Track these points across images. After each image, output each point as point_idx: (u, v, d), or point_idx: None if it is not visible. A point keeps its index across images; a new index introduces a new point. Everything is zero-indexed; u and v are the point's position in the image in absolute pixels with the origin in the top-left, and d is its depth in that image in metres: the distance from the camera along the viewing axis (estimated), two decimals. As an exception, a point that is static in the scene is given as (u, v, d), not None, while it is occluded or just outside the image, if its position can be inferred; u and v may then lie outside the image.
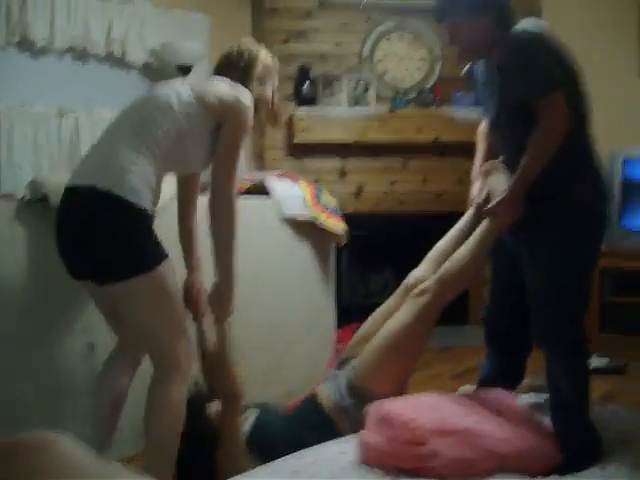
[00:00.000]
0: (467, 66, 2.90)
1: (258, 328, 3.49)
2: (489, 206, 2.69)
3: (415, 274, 2.95)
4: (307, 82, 5.18)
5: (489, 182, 2.84)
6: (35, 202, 2.78)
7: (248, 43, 2.75)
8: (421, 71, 5.44)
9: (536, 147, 2.49)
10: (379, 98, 5.33)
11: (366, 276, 5.70)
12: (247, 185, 3.69)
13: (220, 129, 2.47)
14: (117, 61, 4.56)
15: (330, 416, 2.62)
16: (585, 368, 2.58)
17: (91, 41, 4.38)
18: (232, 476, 2.27)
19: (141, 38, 4.59)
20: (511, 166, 2.65)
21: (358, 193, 5.36)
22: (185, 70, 4.53)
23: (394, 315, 2.75)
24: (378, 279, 5.72)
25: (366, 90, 5.28)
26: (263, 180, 3.70)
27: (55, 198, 2.58)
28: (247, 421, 2.64)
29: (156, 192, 2.35)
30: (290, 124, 5.19)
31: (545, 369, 2.56)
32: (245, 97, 2.48)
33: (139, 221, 2.26)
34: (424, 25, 5.40)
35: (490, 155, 2.96)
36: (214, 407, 2.60)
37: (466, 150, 5.33)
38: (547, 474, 2.22)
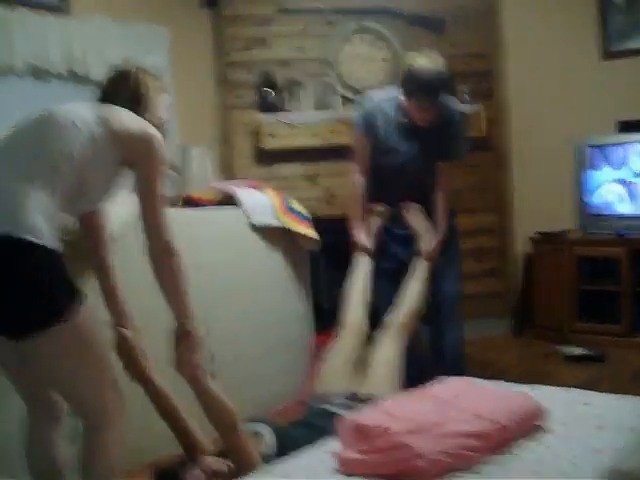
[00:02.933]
0: (362, 112, 3.60)
1: (233, 339, 3.47)
2: (427, 249, 3.49)
3: (356, 316, 3.39)
4: (271, 89, 5.17)
5: (411, 222, 3.53)
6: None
7: (132, 66, 2.48)
8: (384, 71, 5.45)
9: (447, 194, 3.57)
10: (344, 101, 5.33)
11: (342, 281, 5.67)
12: (215, 195, 3.67)
13: (124, 166, 2.25)
14: (80, 79, 4.50)
15: None
16: None
17: (51, 60, 4.32)
18: None
19: (102, 54, 4.54)
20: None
21: (330, 198, 5.35)
22: (147, 84, 4.49)
23: (385, 349, 3.17)
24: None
25: (330, 94, 5.28)
26: (231, 190, 3.67)
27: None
28: (263, 440, 2.60)
29: (58, 227, 2.06)
30: (257, 131, 5.17)
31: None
32: (152, 129, 2.26)
33: (47, 262, 1.95)
34: (384, 26, 5.41)
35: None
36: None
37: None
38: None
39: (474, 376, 2.82)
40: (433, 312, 3.64)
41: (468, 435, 2.08)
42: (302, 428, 2.70)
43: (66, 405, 2.24)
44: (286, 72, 5.30)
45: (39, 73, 4.34)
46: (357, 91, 5.35)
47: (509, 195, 5.68)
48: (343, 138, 5.15)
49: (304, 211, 3.89)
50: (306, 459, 2.23)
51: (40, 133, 2.12)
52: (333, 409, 2.80)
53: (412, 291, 3.38)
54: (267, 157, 5.23)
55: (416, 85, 3.30)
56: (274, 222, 3.67)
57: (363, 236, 3.57)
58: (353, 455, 2.13)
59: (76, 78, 4.49)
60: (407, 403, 2.33)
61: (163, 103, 2.45)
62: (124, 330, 2.49)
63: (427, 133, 3.46)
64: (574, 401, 2.54)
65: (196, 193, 3.76)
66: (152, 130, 2.26)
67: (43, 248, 1.94)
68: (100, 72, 4.50)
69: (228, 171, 5.15)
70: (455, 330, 3.71)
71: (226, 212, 3.58)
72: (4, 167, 2.05)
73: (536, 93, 5.47)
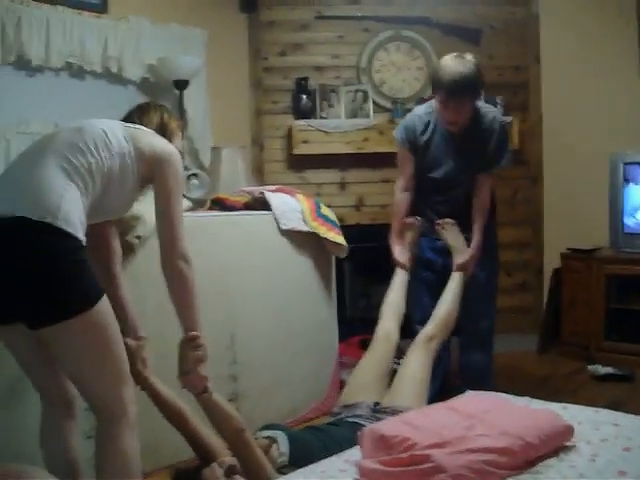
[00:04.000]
0: (403, 124, 3.57)
1: (260, 344, 3.45)
2: (461, 262, 3.41)
3: (388, 328, 3.33)
4: (306, 95, 5.17)
5: (446, 237, 3.49)
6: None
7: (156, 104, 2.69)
8: (419, 81, 5.43)
9: (485, 208, 3.53)
10: (377, 109, 5.32)
11: (368, 288, 5.66)
12: (246, 199, 3.66)
13: (144, 183, 2.33)
14: (114, 77, 4.55)
15: None
16: None
17: (87, 58, 4.37)
18: None
19: (138, 54, 4.58)
20: (458, 219, 3.48)
21: (359, 205, 5.34)
22: (182, 85, 4.52)
23: (413, 361, 3.12)
24: (380, 291, 5.66)
25: (364, 101, 5.27)
26: (262, 194, 3.67)
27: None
28: (277, 445, 2.56)
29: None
30: (289, 137, 5.18)
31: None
32: (176, 151, 2.38)
33: (80, 254, 2.02)
34: (420, 35, 5.40)
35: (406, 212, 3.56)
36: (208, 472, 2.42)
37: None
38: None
39: (499, 392, 2.78)
40: (464, 332, 3.60)
41: (493, 451, 2.04)
42: (318, 435, 2.67)
43: (81, 400, 2.23)
44: (321, 78, 5.31)
45: (75, 70, 4.38)
46: (391, 99, 5.34)
47: (540, 209, 5.62)
48: (375, 146, 5.16)
49: (334, 217, 3.87)
50: (326, 468, 2.20)
51: (76, 139, 2.17)
52: (354, 419, 2.76)
53: (444, 304, 3.35)
54: (298, 162, 5.24)
55: (439, 82, 3.23)
56: (303, 227, 3.65)
57: (398, 251, 3.51)
58: (374, 465, 2.10)
59: (110, 76, 4.53)
60: (432, 415, 2.30)
61: (180, 140, 2.60)
62: (125, 339, 2.40)
63: (467, 142, 3.41)
64: (603, 421, 2.48)
65: (225, 194, 3.75)
66: (173, 148, 2.38)
67: (78, 240, 2.01)
68: (135, 71, 4.55)
69: (259, 175, 5.16)
70: (485, 353, 3.66)
71: (256, 216, 3.57)
72: (45, 161, 2.09)
73: (571, 107, 5.41)
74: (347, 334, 4.22)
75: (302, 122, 5.13)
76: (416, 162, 3.51)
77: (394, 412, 2.74)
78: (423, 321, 3.33)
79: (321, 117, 5.21)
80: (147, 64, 4.61)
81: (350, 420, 2.77)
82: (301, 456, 2.46)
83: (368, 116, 5.25)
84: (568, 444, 2.24)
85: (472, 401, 2.48)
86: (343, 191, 5.31)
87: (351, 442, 2.38)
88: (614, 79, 5.18)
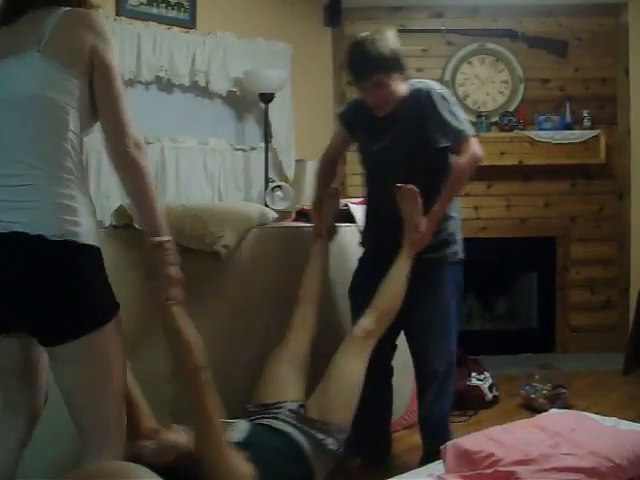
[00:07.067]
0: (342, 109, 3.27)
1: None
2: (411, 238, 2.87)
3: (303, 313, 2.99)
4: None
5: (402, 205, 2.90)
6: (121, 228, 2.84)
7: None
8: (503, 94, 5.38)
9: (459, 177, 2.89)
10: (461, 122, 5.29)
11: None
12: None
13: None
14: (201, 90, 4.65)
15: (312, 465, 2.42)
16: None
17: (176, 72, 4.49)
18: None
19: (224, 67, 4.67)
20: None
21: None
22: (267, 98, 4.59)
23: (346, 362, 2.70)
24: (462, 305, 5.62)
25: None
26: (346, 206, 3.69)
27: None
28: (237, 427, 2.38)
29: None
30: (371, 150, 5.18)
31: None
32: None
33: (97, 264, 1.92)
34: (505, 47, 5.35)
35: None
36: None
37: (551, 173, 5.32)
38: None
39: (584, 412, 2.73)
40: (418, 374, 3.16)
41: (580, 471, 2.01)
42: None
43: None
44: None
45: (164, 84, 4.50)
46: (475, 113, 5.30)
47: (627, 225, 5.48)
48: (458, 159, 5.12)
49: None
50: (409, 481, 2.20)
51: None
52: (277, 424, 2.50)
53: (385, 292, 2.85)
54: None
55: (346, 65, 2.92)
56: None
57: (316, 219, 3.27)
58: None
59: (198, 89, 4.63)
60: (516, 432, 2.27)
61: None
62: None
63: (401, 121, 2.93)
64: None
65: (308, 206, 3.79)
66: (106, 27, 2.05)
67: (96, 249, 1.90)
68: (221, 85, 4.65)
69: (342, 188, 5.18)
70: (442, 401, 3.06)
71: (341, 228, 3.59)
72: (32, 167, 1.86)
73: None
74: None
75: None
76: (358, 144, 3.19)
77: (322, 428, 2.51)
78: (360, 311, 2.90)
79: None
80: (233, 78, 4.70)
81: (275, 427, 2.49)
82: (256, 444, 2.27)
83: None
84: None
85: (558, 419, 2.44)
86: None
87: (283, 455, 2.32)
88: None
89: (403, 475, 2.27)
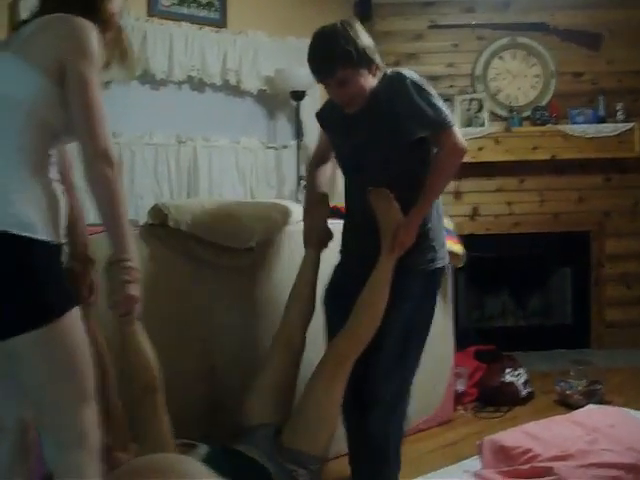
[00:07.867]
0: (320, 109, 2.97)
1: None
2: (389, 242, 2.56)
3: (289, 333, 2.72)
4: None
5: (376, 208, 2.60)
6: (157, 226, 2.86)
7: None
8: (535, 88, 5.33)
9: (440, 171, 2.59)
10: (493, 117, 5.26)
11: (482, 299, 5.60)
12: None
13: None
14: (232, 89, 4.68)
15: None
16: None
17: (207, 71, 4.52)
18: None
19: (255, 66, 4.70)
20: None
21: (473, 214, 5.29)
22: (298, 96, 4.59)
23: (319, 390, 2.49)
24: (494, 302, 5.61)
25: (479, 110, 5.22)
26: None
27: (175, 222, 2.72)
28: (194, 451, 2.26)
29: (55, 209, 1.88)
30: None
31: None
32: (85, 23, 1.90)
33: (45, 257, 1.82)
34: (537, 41, 5.31)
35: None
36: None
37: (584, 167, 5.27)
38: None
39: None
40: (365, 391, 2.65)
41: (619, 467, 2.00)
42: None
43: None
44: (436, 87, 5.25)
45: (195, 83, 4.54)
46: (508, 107, 5.27)
47: (662, 219, 5.42)
48: (490, 155, 5.10)
49: (452, 227, 3.84)
50: (445, 478, 2.20)
51: None
52: (251, 452, 2.38)
53: (362, 310, 2.55)
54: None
55: (308, 59, 2.59)
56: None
57: (307, 227, 2.92)
58: (493, 476, 2.08)
59: (229, 88, 4.67)
60: (553, 428, 2.26)
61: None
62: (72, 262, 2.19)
63: (373, 116, 2.62)
64: None
65: (341, 203, 3.79)
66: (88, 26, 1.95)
67: (42, 243, 1.81)
68: (252, 83, 4.67)
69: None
70: (386, 421, 2.65)
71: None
72: None
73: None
74: (461, 344, 4.17)
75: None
76: (332, 144, 2.91)
77: (294, 459, 2.39)
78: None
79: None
80: (264, 76, 4.72)
81: (245, 453, 2.38)
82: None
83: (483, 125, 5.19)
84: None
85: (595, 415, 2.42)
86: (458, 200, 5.27)
87: None
88: None
89: (437, 471, 2.26)
